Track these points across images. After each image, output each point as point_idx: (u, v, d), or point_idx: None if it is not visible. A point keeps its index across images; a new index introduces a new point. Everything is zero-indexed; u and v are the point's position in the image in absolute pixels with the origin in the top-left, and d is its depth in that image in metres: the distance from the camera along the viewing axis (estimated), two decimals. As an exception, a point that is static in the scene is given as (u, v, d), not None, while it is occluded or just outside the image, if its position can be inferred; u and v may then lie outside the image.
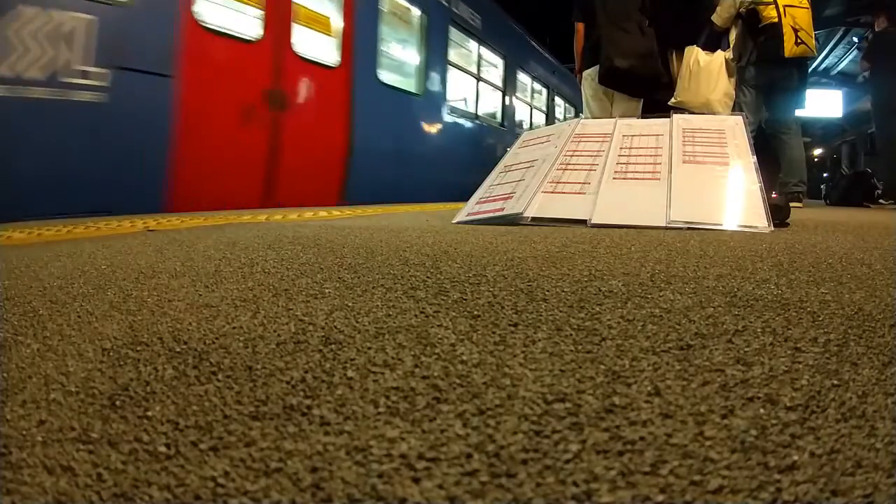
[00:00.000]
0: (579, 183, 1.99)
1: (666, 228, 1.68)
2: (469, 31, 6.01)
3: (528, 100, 8.14)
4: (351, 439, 0.38)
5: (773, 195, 2.18)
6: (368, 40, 4.35)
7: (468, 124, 6.13)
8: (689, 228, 1.66)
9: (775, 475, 0.33)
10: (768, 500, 0.31)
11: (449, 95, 5.63)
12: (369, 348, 0.56)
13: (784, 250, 1.20)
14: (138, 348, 0.57)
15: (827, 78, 11.23)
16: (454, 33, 5.70)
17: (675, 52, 3.06)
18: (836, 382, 0.47)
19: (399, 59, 5.08)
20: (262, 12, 3.40)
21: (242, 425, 0.40)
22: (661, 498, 0.31)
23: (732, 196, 1.84)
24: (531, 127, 7.78)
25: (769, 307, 0.70)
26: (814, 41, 3.67)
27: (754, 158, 1.96)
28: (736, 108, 3.08)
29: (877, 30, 5.00)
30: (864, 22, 7.86)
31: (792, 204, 2.53)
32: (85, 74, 2.51)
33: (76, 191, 2.55)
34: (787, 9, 3.49)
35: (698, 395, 0.44)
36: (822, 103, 10.97)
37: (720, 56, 2.99)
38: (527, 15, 8.59)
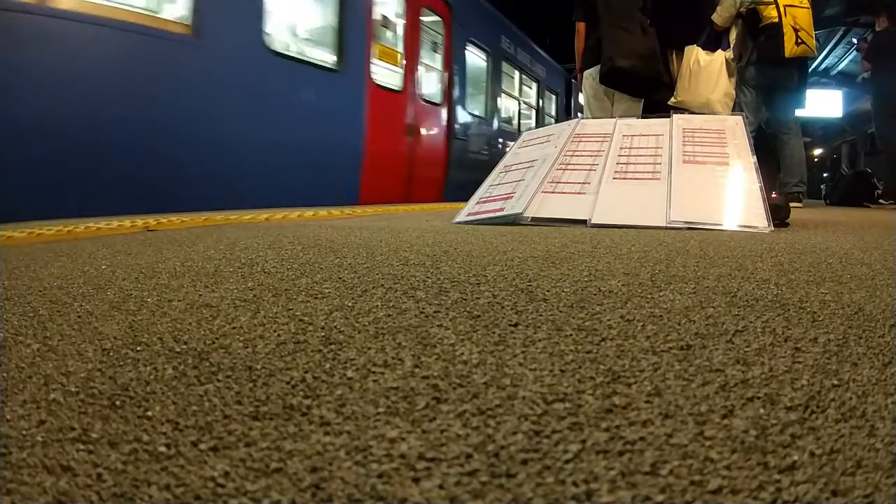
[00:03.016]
0: (579, 183, 1.99)
1: (666, 228, 1.68)
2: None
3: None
4: (351, 439, 0.38)
5: (773, 195, 2.18)
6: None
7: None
8: (689, 228, 1.66)
9: (775, 475, 0.33)
10: (768, 500, 0.31)
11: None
12: (369, 348, 0.56)
13: (784, 250, 1.20)
14: (138, 348, 0.57)
15: (827, 78, 11.22)
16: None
17: (675, 52, 3.06)
18: (836, 382, 0.47)
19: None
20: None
21: (242, 425, 0.40)
22: (661, 498, 0.31)
23: (732, 196, 1.84)
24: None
25: (769, 307, 0.70)
26: (814, 41, 3.67)
27: (754, 158, 1.96)
28: (736, 108, 3.08)
29: (877, 29, 4.99)
30: (864, 22, 7.85)
31: (792, 204, 2.53)
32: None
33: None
34: (787, 8, 3.48)
35: (698, 395, 0.44)
36: (822, 103, 10.96)
37: (720, 56, 2.99)
38: (526, 14, 8.59)
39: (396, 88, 4.66)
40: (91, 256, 1.14)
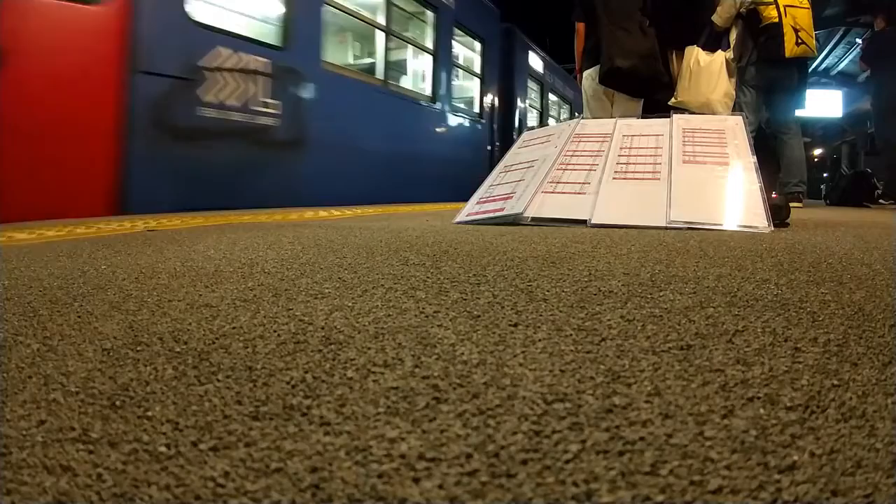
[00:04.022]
0: (579, 183, 1.99)
1: (666, 228, 1.67)
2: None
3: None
4: (351, 439, 0.38)
5: (773, 195, 2.18)
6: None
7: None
8: (689, 228, 1.66)
9: (775, 475, 0.33)
10: (768, 500, 0.31)
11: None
12: (369, 348, 0.56)
13: (784, 250, 1.20)
14: (138, 348, 0.57)
15: (827, 78, 11.23)
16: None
17: (675, 52, 3.06)
18: (836, 382, 0.47)
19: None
20: None
21: (242, 425, 0.40)
22: (661, 498, 0.31)
23: (732, 196, 1.84)
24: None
25: (769, 307, 0.70)
26: (814, 41, 3.67)
27: (754, 158, 1.96)
28: (736, 108, 3.07)
29: (876, 30, 5.00)
30: (864, 22, 7.87)
31: (792, 204, 2.53)
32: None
33: None
34: (787, 9, 3.48)
35: (698, 395, 0.44)
36: (822, 103, 10.96)
37: (720, 56, 2.99)
38: (526, 14, 8.39)
39: None
40: (91, 256, 1.14)
